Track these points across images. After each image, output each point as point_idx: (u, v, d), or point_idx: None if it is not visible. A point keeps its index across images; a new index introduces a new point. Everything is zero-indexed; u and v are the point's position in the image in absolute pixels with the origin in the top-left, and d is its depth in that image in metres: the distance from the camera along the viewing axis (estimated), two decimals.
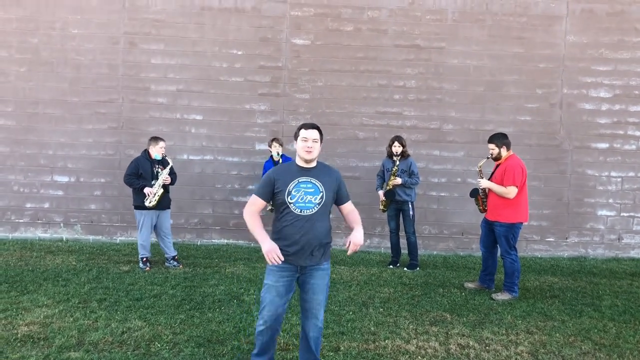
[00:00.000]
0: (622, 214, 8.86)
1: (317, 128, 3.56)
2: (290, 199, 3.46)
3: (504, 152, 6.15)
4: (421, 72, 8.76)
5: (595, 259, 8.66)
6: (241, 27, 8.66)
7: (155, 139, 6.99)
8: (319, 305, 3.57)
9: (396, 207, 7.44)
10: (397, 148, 7.33)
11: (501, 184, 5.99)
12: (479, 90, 8.75)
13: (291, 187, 3.47)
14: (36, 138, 8.64)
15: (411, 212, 7.30)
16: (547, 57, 8.74)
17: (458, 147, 8.78)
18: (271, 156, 7.85)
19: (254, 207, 3.58)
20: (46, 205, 8.69)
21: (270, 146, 7.83)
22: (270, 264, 3.41)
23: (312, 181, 3.51)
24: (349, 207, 3.74)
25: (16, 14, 8.53)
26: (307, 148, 3.49)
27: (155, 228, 7.05)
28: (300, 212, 3.47)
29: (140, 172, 6.81)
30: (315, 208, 3.48)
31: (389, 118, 8.77)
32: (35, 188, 8.68)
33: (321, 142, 3.60)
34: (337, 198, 3.67)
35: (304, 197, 3.47)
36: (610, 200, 8.86)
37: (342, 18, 8.68)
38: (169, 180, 6.92)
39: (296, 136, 3.58)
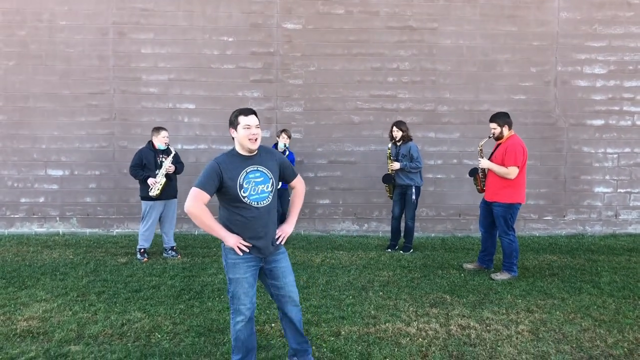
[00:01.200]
0: (618, 190, 8.86)
1: (255, 113, 3.37)
2: (244, 192, 3.28)
3: (505, 132, 6.11)
4: (414, 54, 8.69)
5: (593, 236, 8.68)
6: (231, 13, 8.56)
7: (157, 129, 6.95)
8: (293, 287, 3.51)
9: (400, 191, 7.40)
10: (396, 133, 7.27)
11: (501, 164, 5.96)
12: (473, 71, 8.69)
13: (241, 180, 3.27)
14: (28, 132, 8.55)
15: (413, 197, 7.24)
16: (541, 35, 8.68)
17: (453, 128, 8.75)
18: (275, 144, 7.76)
19: (200, 203, 3.26)
20: (41, 200, 8.63)
21: (278, 136, 7.74)
22: (240, 255, 3.32)
23: (260, 169, 3.34)
24: (297, 186, 3.66)
25: (2, 6, 8.40)
26: (251, 136, 3.26)
27: (161, 217, 7.02)
28: (257, 204, 3.31)
29: (144, 163, 6.80)
30: (269, 197, 3.36)
31: (384, 101, 8.71)
32: (30, 183, 8.61)
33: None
34: (284, 177, 3.55)
35: (256, 188, 3.30)
36: (607, 177, 8.85)
37: (333, 1, 8.59)
38: (172, 169, 6.88)
39: (234, 124, 3.32)
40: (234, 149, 3.41)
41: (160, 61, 8.57)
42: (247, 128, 3.27)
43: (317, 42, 8.62)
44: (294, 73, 8.65)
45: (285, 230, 3.55)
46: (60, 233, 8.60)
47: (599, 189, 8.86)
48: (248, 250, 3.32)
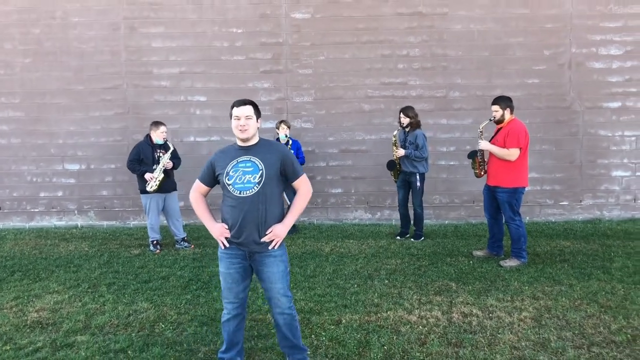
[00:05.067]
0: (637, 174, 8.67)
1: (250, 103, 3.35)
2: (228, 179, 3.28)
3: (507, 115, 6.03)
4: (425, 40, 8.60)
5: (611, 221, 8.52)
6: (239, 4, 8.58)
7: (156, 124, 7.02)
8: (279, 294, 3.34)
9: (404, 178, 7.37)
10: (403, 119, 7.21)
11: (503, 146, 5.90)
12: (485, 55, 8.57)
13: (229, 168, 3.29)
14: (45, 128, 8.75)
15: (418, 184, 7.20)
16: (554, 17, 8.50)
17: (465, 114, 8.65)
18: (277, 138, 7.77)
19: (197, 193, 3.47)
20: (60, 194, 8.84)
21: (277, 128, 7.76)
22: (222, 248, 3.35)
23: (252, 159, 3.30)
24: (300, 187, 3.46)
25: (16, 5, 8.57)
26: (240, 127, 3.28)
27: (164, 211, 7.13)
28: (240, 193, 3.26)
29: (142, 158, 6.88)
30: (255, 188, 3.25)
31: (394, 89, 8.66)
32: (48, 177, 8.82)
33: (259, 117, 3.40)
34: (286, 175, 3.39)
35: (242, 177, 3.26)
36: (625, 160, 8.67)
37: None
38: (170, 165, 6.96)
39: (230, 115, 3.37)
40: (235, 142, 3.46)
41: (171, 54, 8.66)
42: (237, 119, 3.30)
43: (326, 31, 8.60)
44: (303, 63, 8.65)
45: (276, 230, 3.31)
46: (79, 226, 8.80)
47: (617, 173, 8.68)
48: (227, 245, 3.33)
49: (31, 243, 7.61)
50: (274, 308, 3.40)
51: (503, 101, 6.02)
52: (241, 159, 3.32)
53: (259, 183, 3.27)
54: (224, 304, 3.42)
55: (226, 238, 3.34)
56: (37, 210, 8.84)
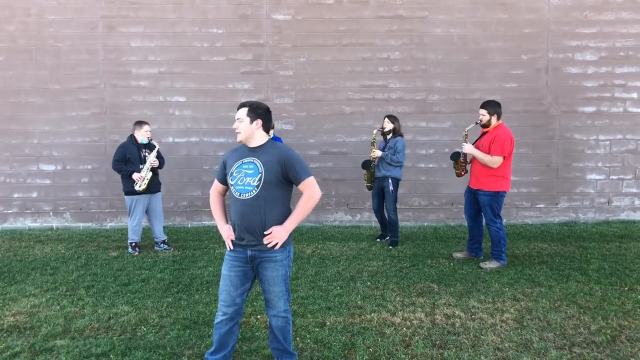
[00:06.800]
0: (611, 177, 8.87)
1: (245, 105, 3.36)
2: (232, 180, 3.30)
3: (493, 121, 6.08)
4: (405, 43, 8.66)
5: (586, 223, 8.69)
6: (220, 5, 8.53)
7: (139, 123, 6.94)
8: (277, 297, 3.34)
9: (378, 184, 7.30)
10: (387, 124, 7.18)
11: (487, 152, 5.95)
12: (464, 59, 8.67)
13: (234, 169, 3.31)
14: (20, 127, 8.56)
15: (391, 188, 7.07)
16: (532, 22, 8.65)
17: (444, 117, 8.73)
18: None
19: (214, 192, 3.55)
20: (34, 195, 8.65)
21: None
22: (228, 249, 3.35)
23: (254, 161, 3.28)
24: (304, 192, 3.35)
25: None
26: (235, 129, 3.35)
27: (148, 212, 7.04)
28: (239, 195, 3.25)
29: (128, 157, 6.80)
30: (254, 191, 3.22)
31: (375, 91, 8.70)
32: (22, 178, 8.62)
33: (255, 119, 3.32)
34: (289, 178, 3.31)
35: (244, 179, 3.26)
36: (600, 164, 8.85)
37: None
38: (157, 164, 6.91)
39: None
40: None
41: (150, 54, 8.55)
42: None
43: (307, 33, 8.60)
44: (284, 64, 8.63)
45: (275, 231, 3.26)
46: (54, 228, 8.63)
47: (592, 176, 8.86)
48: (232, 247, 3.33)
49: (5, 245, 7.43)
50: (270, 310, 3.39)
51: (491, 106, 6.06)
52: (246, 160, 3.32)
53: (257, 186, 3.24)
54: (219, 305, 3.37)
55: (232, 240, 3.33)
56: (10, 211, 8.64)
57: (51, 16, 8.46)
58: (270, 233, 3.26)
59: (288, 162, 3.28)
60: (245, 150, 3.38)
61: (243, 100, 8.55)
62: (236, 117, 3.36)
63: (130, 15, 8.49)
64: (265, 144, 3.38)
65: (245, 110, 3.34)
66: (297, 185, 3.35)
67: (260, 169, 3.25)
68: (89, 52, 8.53)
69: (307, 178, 3.33)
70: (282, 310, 3.38)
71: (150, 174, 6.78)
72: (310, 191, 3.34)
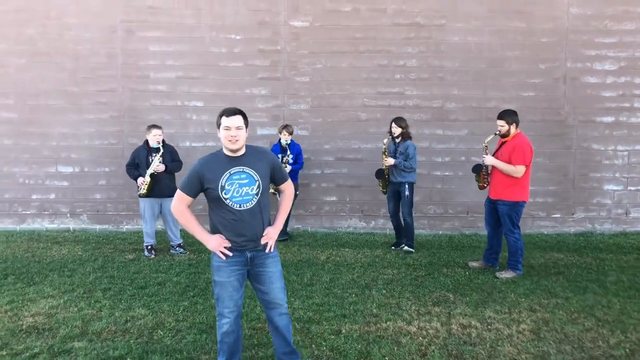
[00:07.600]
0: (629, 188, 8.77)
1: (240, 112, 3.27)
2: (225, 194, 3.22)
3: (512, 130, 6.07)
4: (422, 51, 8.65)
5: (603, 234, 8.60)
6: (238, 11, 8.58)
7: (149, 127, 7.01)
8: (279, 293, 3.40)
9: (393, 188, 7.34)
10: (395, 129, 7.20)
11: (508, 162, 5.92)
12: (481, 67, 8.64)
13: (223, 182, 3.21)
14: (39, 130, 8.66)
15: (407, 193, 7.12)
16: (550, 31, 8.60)
17: (461, 125, 8.70)
18: (279, 140, 7.82)
19: (182, 205, 3.33)
20: (52, 196, 8.74)
21: (280, 132, 7.78)
22: (223, 259, 3.28)
23: (245, 170, 3.25)
24: (285, 190, 3.57)
25: (11, 4, 8.50)
26: (230, 137, 3.18)
27: (162, 216, 7.10)
28: (240, 207, 3.24)
29: (137, 162, 6.92)
30: (254, 200, 3.26)
31: (391, 98, 8.70)
32: (40, 179, 8.72)
33: (247, 126, 3.30)
34: (274, 180, 3.46)
35: (240, 190, 3.23)
36: (617, 175, 8.76)
37: None
38: (160, 169, 6.88)
39: (217, 124, 3.28)
40: (221, 149, 3.36)
41: (168, 59, 8.63)
42: (227, 129, 3.20)
43: (324, 40, 8.62)
44: (301, 70, 8.66)
45: (270, 232, 3.40)
46: (71, 229, 8.71)
47: (609, 187, 8.78)
48: (231, 254, 3.29)
49: (23, 246, 7.52)
50: (274, 309, 3.42)
51: (509, 116, 6.05)
52: (234, 171, 3.25)
53: (257, 194, 3.28)
54: (225, 313, 3.34)
55: (227, 247, 3.30)
56: (28, 212, 8.74)
57: (71, 19, 8.56)
58: (266, 234, 3.39)
59: (275, 165, 3.44)
60: (226, 160, 3.29)
61: (260, 105, 8.62)
62: (233, 125, 3.21)
63: (149, 20, 8.57)
64: (247, 150, 3.37)
65: (241, 118, 3.27)
66: (279, 185, 3.54)
67: (255, 177, 3.28)
68: (107, 56, 8.62)
69: (288, 178, 3.60)
70: (285, 307, 3.47)
71: (149, 179, 6.81)
72: (290, 189, 3.61)
